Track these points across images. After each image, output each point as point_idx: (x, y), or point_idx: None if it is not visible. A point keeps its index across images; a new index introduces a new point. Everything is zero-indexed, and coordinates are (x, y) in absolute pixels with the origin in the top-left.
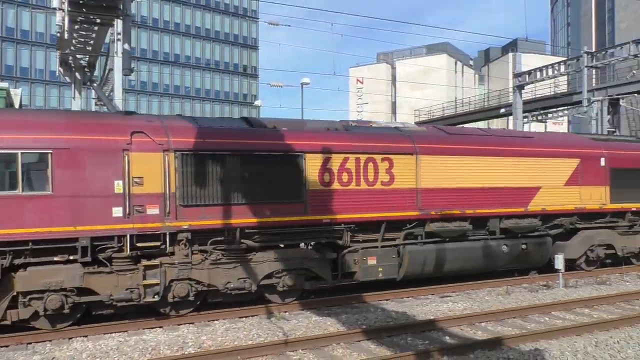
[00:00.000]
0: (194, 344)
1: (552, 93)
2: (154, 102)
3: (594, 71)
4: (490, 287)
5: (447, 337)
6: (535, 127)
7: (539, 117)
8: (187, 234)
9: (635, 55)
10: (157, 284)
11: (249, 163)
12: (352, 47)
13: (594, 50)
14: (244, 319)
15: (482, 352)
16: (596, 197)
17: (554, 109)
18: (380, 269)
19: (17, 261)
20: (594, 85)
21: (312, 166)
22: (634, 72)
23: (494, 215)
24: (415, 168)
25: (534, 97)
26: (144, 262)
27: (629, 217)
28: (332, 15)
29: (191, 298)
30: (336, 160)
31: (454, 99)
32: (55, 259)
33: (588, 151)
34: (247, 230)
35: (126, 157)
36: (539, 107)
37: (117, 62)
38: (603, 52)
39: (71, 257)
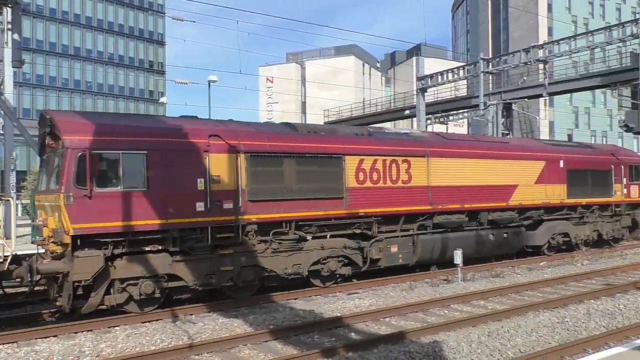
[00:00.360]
0: (91, 353)
1: (453, 96)
2: (52, 97)
3: (490, 77)
4: (395, 283)
5: (352, 334)
6: (438, 129)
7: (441, 119)
8: (254, 225)
9: (525, 63)
10: (230, 270)
11: (301, 163)
12: (261, 46)
13: (490, 57)
14: (147, 324)
15: (385, 347)
16: (557, 193)
17: (455, 111)
18: (400, 256)
19: (116, 251)
20: (490, 89)
21: (349, 167)
22: (525, 78)
23: (483, 209)
24: (426, 169)
25: (436, 99)
26: (220, 251)
27: (579, 210)
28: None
29: (256, 282)
30: (368, 162)
31: (362, 100)
32: (147, 249)
33: (551, 155)
34: (299, 223)
35: (207, 158)
36: (441, 109)
37: (7, 54)
38: (497, 59)
39: (160, 247)
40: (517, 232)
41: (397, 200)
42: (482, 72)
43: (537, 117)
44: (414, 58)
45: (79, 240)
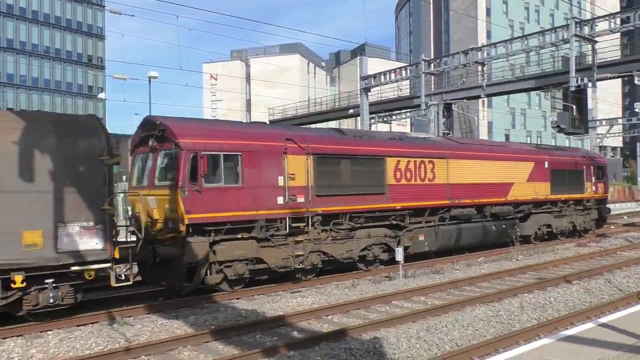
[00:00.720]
0: (20, 359)
1: (396, 96)
2: None
3: (431, 77)
4: (338, 281)
5: (295, 332)
6: (382, 128)
7: (384, 119)
8: (319, 217)
9: (465, 65)
10: (302, 255)
11: (353, 164)
12: (204, 43)
13: (431, 58)
14: (81, 327)
15: (326, 344)
16: (543, 190)
17: (398, 111)
18: (426, 243)
19: (216, 238)
20: (431, 90)
21: (389, 167)
22: (464, 80)
23: (488, 203)
24: (446, 169)
25: (379, 99)
26: (293, 239)
27: (559, 204)
28: (180, 9)
29: (320, 265)
30: (403, 163)
31: (306, 99)
32: (238, 236)
33: (538, 157)
34: (352, 214)
35: (285, 159)
36: (384, 109)
37: None
38: (438, 61)
39: (248, 235)
40: (512, 224)
41: (424, 195)
42: (424, 72)
43: (476, 118)
44: (358, 58)
45: (190, 229)
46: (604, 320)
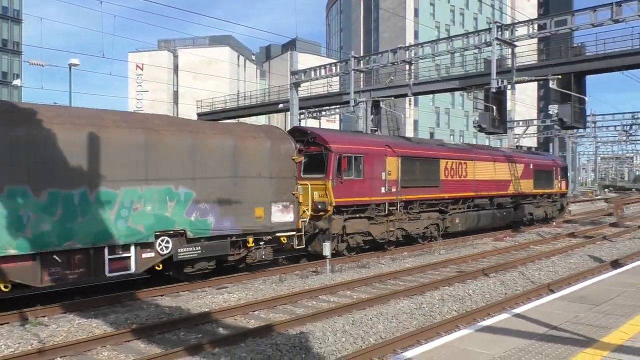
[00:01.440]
0: None
1: (326, 92)
2: None
3: (361, 74)
4: (265, 276)
5: (221, 329)
6: (311, 123)
7: (314, 114)
8: (402, 203)
9: (393, 63)
10: (392, 230)
11: (422, 163)
12: (130, 31)
13: (361, 55)
14: None
15: (253, 340)
16: (529, 186)
17: (327, 107)
18: (459, 225)
19: (346, 216)
20: (360, 87)
21: (442, 166)
22: (392, 78)
23: (496, 195)
24: (473, 168)
25: (309, 95)
26: (387, 218)
27: (538, 197)
28: None
29: (401, 239)
30: (449, 163)
31: (236, 92)
32: (357, 215)
33: (526, 160)
34: (419, 202)
35: (385, 159)
36: (314, 104)
37: None
38: (368, 58)
39: (363, 215)
40: (509, 211)
41: (461, 188)
42: (353, 69)
43: (403, 116)
44: (289, 52)
45: (336, 209)
46: (518, 310)
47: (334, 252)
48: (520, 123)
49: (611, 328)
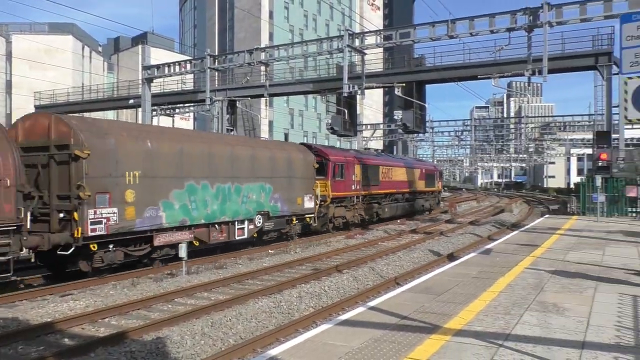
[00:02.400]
0: None
1: (180, 89)
2: None
3: (216, 73)
4: (116, 280)
5: (66, 339)
6: (164, 121)
7: (167, 112)
8: (362, 196)
9: (249, 64)
10: (356, 215)
11: (370, 169)
12: None
13: (216, 53)
14: None
15: (104, 349)
16: (422, 185)
17: (182, 105)
18: (387, 212)
19: (332, 205)
20: (216, 86)
21: (380, 171)
22: (248, 78)
23: (406, 192)
24: (395, 173)
25: (162, 91)
26: (354, 206)
27: (427, 193)
28: None
29: (358, 222)
30: (383, 169)
31: (80, 85)
32: (341, 204)
33: (420, 166)
34: (369, 196)
35: (355, 166)
36: (168, 101)
37: None
38: (224, 57)
39: (344, 204)
40: (412, 203)
41: (389, 187)
42: (209, 68)
43: (259, 116)
44: (140, 46)
45: (332, 200)
46: (371, 304)
47: (325, 230)
48: (369, 127)
49: (452, 315)
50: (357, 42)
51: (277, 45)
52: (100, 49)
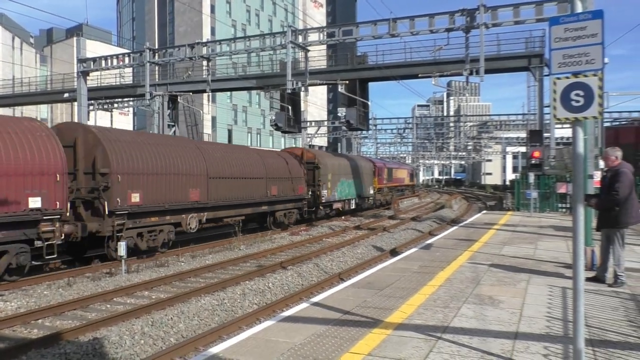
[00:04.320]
0: None
1: (118, 83)
2: None
3: (156, 67)
4: (50, 280)
5: None
6: (102, 116)
7: (105, 106)
8: (386, 188)
9: (190, 58)
10: (380, 199)
11: (387, 170)
12: None
13: (156, 47)
14: None
15: (37, 352)
16: (408, 180)
17: (120, 99)
18: (396, 197)
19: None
20: (156, 80)
21: (393, 171)
22: (190, 73)
23: (401, 185)
24: (397, 172)
25: (100, 85)
26: (381, 194)
27: (410, 186)
28: None
29: (383, 204)
30: (392, 170)
31: (11, 78)
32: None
33: (406, 167)
34: (387, 187)
35: (383, 169)
36: (105, 95)
37: None
38: (164, 51)
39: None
40: (402, 192)
41: (395, 182)
42: (148, 62)
43: (202, 112)
44: (75, 38)
45: (377, 189)
46: (314, 299)
47: (373, 206)
48: (313, 123)
49: (393, 309)
50: (300, 39)
51: (219, 40)
52: (32, 40)
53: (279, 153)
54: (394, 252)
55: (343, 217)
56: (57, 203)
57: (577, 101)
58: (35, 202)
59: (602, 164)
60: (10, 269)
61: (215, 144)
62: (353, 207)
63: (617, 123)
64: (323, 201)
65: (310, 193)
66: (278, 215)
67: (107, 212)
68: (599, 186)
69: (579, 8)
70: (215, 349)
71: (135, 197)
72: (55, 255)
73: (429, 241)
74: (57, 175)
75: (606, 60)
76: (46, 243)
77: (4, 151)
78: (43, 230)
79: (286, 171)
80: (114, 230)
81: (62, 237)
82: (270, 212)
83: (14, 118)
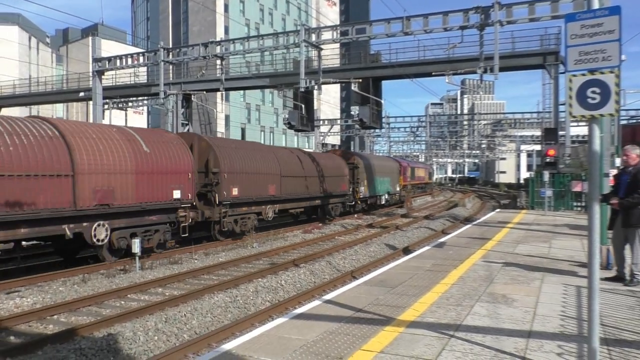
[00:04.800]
0: None
1: (133, 82)
2: None
3: (170, 66)
4: (66, 276)
5: (12, 337)
6: (117, 114)
7: (120, 105)
8: (409, 186)
9: (204, 57)
10: (404, 194)
11: (410, 170)
12: None
13: (170, 46)
14: None
15: (53, 347)
16: (427, 178)
17: (135, 98)
18: (413, 193)
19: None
20: (170, 79)
21: (414, 170)
22: (203, 72)
23: (422, 183)
24: (418, 171)
25: (115, 84)
26: (406, 190)
27: (428, 183)
28: None
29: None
30: (415, 169)
31: (27, 77)
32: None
33: (425, 166)
34: (411, 185)
35: (407, 168)
36: (120, 94)
37: None
38: (178, 50)
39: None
40: (424, 188)
41: (417, 179)
42: (163, 61)
43: (215, 110)
44: (90, 38)
45: (402, 186)
46: (327, 297)
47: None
48: (326, 122)
49: (405, 307)
50: (313, 38)
51: (232, 38)
52: (48, 40)
53: (328, 155)
54: (406, 251)
55: (356, 215)
56: (189, 195)
57: (594, 98)
58: (177, 194)
59: (618, 162)
60: (159, 244)
61: (283, 148)
62: (383, 202)
63: (634, 121)
64: (360, 196)
65: (350, 189)
66: (327, 207)
67: (217, 202)
68: (612, 184)
69: (596, 4)
70: (228, 346)
71: (235, 191)
72: (186, 234)
73: (442, 239)
74: (189, 174)
75: (623, 57)
76: (182, 225)
77: (160, 156)
78: (180, 215)
79: (334, 171)
80: (221, 216)
81: (190, 221)
82: (321, 205)
83: (159, 130)
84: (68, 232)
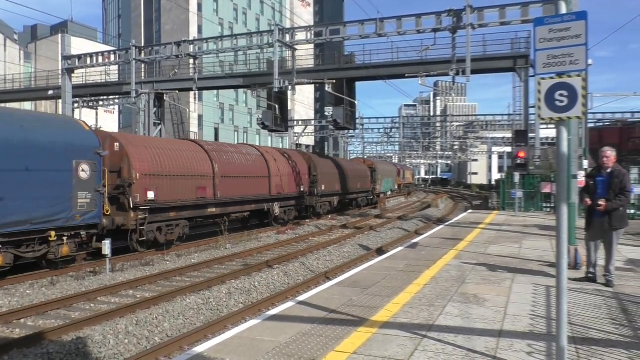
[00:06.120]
0: None
1: (104, 81)
2: None
3: (142, 65)
4: (33, 279)
5: None
6: (87, 114)
7: (90, 104)
8: (402, 184)
9: (177, 56)
10: (400, 193)
11: (398, 172)
12: None
13: (143, 45)
14: None
15: (19, 351)
16: (410, 178)
17: (106, 97)
18: (405, 191)
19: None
20: (142, 78)
21: (400, 172)
22: (176, 71)
23: (407, 183)
24: (405, 172)
25: (85, 82)
26: (400, 188)
27: (411, 183)
28: None
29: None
30: (400, 171)
31: None
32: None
33: (409, 168)
34: (403, 184)
35: (400, 170)
36: (91, 93)
37: None
38: (150, 49)
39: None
40: (409, 187)
41: (405, 180)
42: (135, 59)
43: (188, 110)
44: (60, 35)
45: (398, 185)
46: (300, 298)
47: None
48: (300, 123)
49: (379, 308)
50: (287, 38)
51: (206, 38)
52: (16, 37)
53: (356, 161)
54: (380, 251)
55: (330, 216)
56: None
57: (562, 101)
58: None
59: (586, 164)
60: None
61: (331, 158)
62: (389, 195)
63: (601, 124)
64: (377, 193)
65: (371, 187)
66: (357, 200)
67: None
68: (582, 185)
69: (564, 9)
70: (200, 348)
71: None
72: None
73: (415, 240)
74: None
75: (590, 61)
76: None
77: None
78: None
79: (362, 173)
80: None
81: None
82: (353, 198)
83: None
84: (265, 208)
